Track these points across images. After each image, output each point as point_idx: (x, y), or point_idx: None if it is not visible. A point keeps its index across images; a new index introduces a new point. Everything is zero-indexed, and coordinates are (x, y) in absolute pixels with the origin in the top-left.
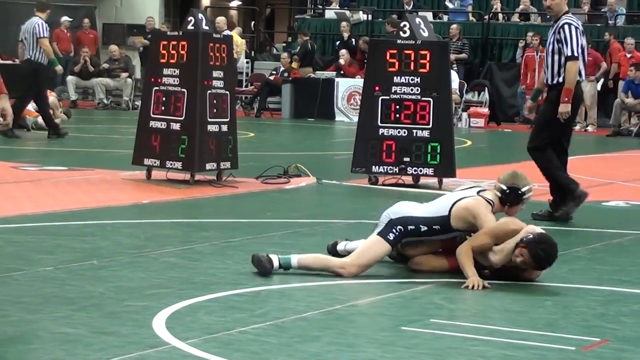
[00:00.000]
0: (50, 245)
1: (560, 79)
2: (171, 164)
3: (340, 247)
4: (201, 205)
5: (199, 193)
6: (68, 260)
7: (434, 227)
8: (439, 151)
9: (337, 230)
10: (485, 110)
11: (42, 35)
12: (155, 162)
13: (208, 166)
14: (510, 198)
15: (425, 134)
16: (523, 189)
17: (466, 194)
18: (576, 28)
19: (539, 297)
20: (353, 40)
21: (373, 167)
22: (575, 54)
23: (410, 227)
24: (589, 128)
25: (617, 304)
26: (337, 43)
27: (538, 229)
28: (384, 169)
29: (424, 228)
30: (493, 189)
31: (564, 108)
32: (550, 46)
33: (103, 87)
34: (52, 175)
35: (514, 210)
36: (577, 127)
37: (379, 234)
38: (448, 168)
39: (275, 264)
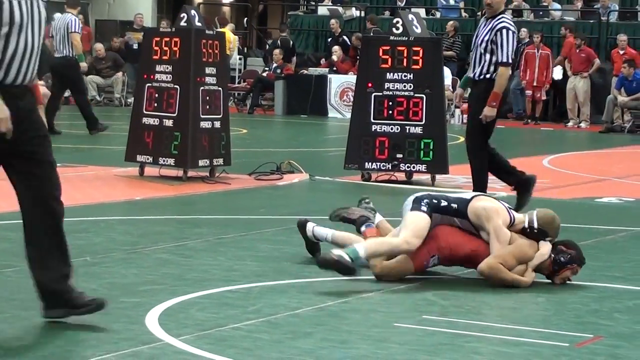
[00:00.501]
0: None
1: (489, 76)
2: (164, 161)
3: (309, 227)
4: (194, 201)
5: (191, 189)
6: None
7: (452, 204)
8: (431, 148)
9: (329, 226)
10: None
11: (75, 30)
12: (148, 159)
13: (201, 163)
14: (532, 236)
15: (418, 130)
16: (547, 239)
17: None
18: (513, 33)
19: (532, 294)
20: (345, 36)
21: (366, 163)
22: (509, 61)
23: (433, 200)
24: (582, 124)
25: (610, 300)
26: (329, 40)
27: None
28: (376, 165)
29: (444, 203)
30: (527, 213)
31: (490, 112)
32: (484, 44)
33: (94, 84)
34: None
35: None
36: (570, 124)
37: (412, 209)
38: (441, 164)
39: (347, 259)
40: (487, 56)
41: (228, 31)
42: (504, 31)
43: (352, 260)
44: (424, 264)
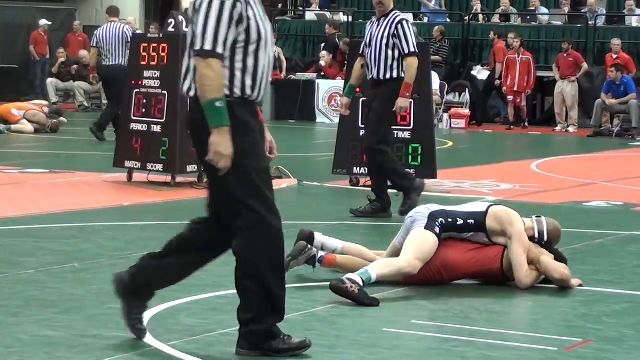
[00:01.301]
0: (31, 248)
1: (395, 74)
2: (152, 166)
3: (318, 237)
4: (182, 207)
5: (180, 195)
6: (49, 263)
7: (469, 220)
8: (420, 152)
9: (318, 232)
10: (466, 111)
11: (129, 40)
12: (136, 165)
13: (189, 168)
14: (535, 242)
15: (406, 135)
16: (551, 248)
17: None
18: (410, 25)
19: (520, 298)
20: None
21: (354, 168)
22: (416, 50)
23: (449, 219)
24: (570, 128)
25: (599, 304)
26: (323, 45)
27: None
28: (365, 170)
29: (460, 221)
30: (535, 219)
31: (404, 103)
32: (384, 40)
33: (82, 90)
34: (33, 178)
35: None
36: (558, 128)
37: (426, 227)
38: (429, 169)
39: (359, 281)
40: (390, 53)
41: None
42: (404, 23)
43: (364, 284)
44: (423, 280)
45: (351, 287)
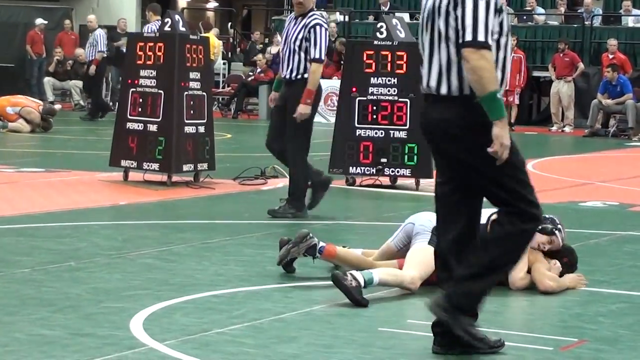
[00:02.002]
0: (27, 247)
1: (306, 76)
2: (148, 166)
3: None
4: (178, 206)
5: (176, 194)
6: (45, 262)
7: None
8: (416, 152)
9: (314, 231)
10: None
11: None
12: (132, 164)
13: (185, 167)
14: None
15: (403, 135)
16: (548, 230)
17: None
18: (326, 30)
19: (516, 298)
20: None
21: (350, 168)
22: (323, 58)
23: None
24: (566, 129)
25: (594, 304)
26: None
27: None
28: (361, 170)
29: None
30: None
31: (305, 109)
32: (298, 42)
33: (78, 89)
34: (29, 177)
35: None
36: (554, 128)
37: (430, 241)
38: (425, 169)
39: (361, 280)
40: (302, 55)
41: (212, 36)
42: (318, 28)
43: (365, 285)
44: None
45: (350, 282)
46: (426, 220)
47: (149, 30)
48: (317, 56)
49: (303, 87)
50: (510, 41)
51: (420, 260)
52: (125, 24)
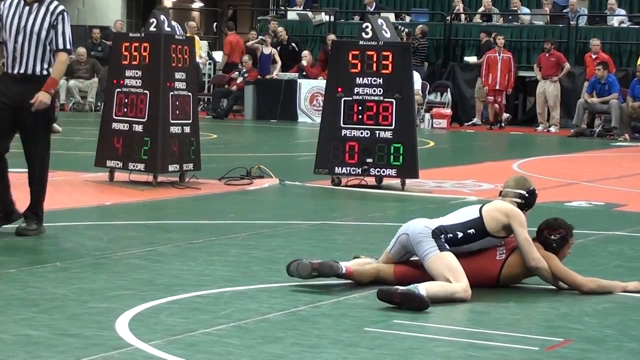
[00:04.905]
0: (12, 247)
1: (51, 70)
2: (134, 166)
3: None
4: (164, 206)
5: (161, 195)
6: (31, 262)
7: (468, 231)
8: (401, 152)
9: (300, 231)
10: (448, 111)
11: None
12: (117, 164)
13: (171, 168)
14: (530, 201)
15: (388, 135)
16: (535, 190)
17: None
18: (69, 19)
19: (502, 298)
20: (293, 43)
21: (336, 168)
22: (70, 47)
23: (449, 235)
24: (552, 128)
25: (580, 304)
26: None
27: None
28: (346, 170)
29: (460, 234)
30: (505, 198)
31: (46, 97)
32: (43, 31)
33: (76, 89)
34: (14, 178)
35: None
36: (540, 128)
37: (441, 247)
38: (411, 169)
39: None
40: (48, 46)
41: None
42: (65, 15)
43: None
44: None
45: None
46: (422, 228)
47: None
48: (67, 46)
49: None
50: None
51: (450, 268)
52: (122, 25)
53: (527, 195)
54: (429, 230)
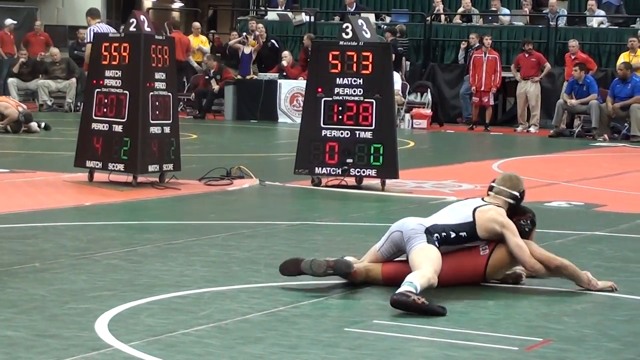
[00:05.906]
0: None
1: None
2: (113, 166)
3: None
4: (144, 207)
5: (141, 195)
6: (10, 262)
7: (460, 233)
8: (381, 152)
9: (280, 231)
10: (428, 111)
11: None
12: (97, 164)
13: (151, 168)
14: (520, 202)
15: (368, 135)
16: (525, 191)
17: (478, 202)
18: None
19: (481, 298)
20: (273, 40)
21: (316, 168)
22: None
23: (443, 233)
24: (531, 129)
25: (560, 304)
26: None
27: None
28: (326, 170)
29: (452, 235)
30: (498, 196)
31: None
32: None
33: (46, 89)
34: None
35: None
36: (520, 128)
37: (428, 241)
38: (391, 169)
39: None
40: None
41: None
42: None
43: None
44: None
45: (417, 299)
46: (416, 225)
47: (89, 35)
48: None
49: None
50: None
51: (428, 257)
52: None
53: (519, 197)
54: (422, 227)
